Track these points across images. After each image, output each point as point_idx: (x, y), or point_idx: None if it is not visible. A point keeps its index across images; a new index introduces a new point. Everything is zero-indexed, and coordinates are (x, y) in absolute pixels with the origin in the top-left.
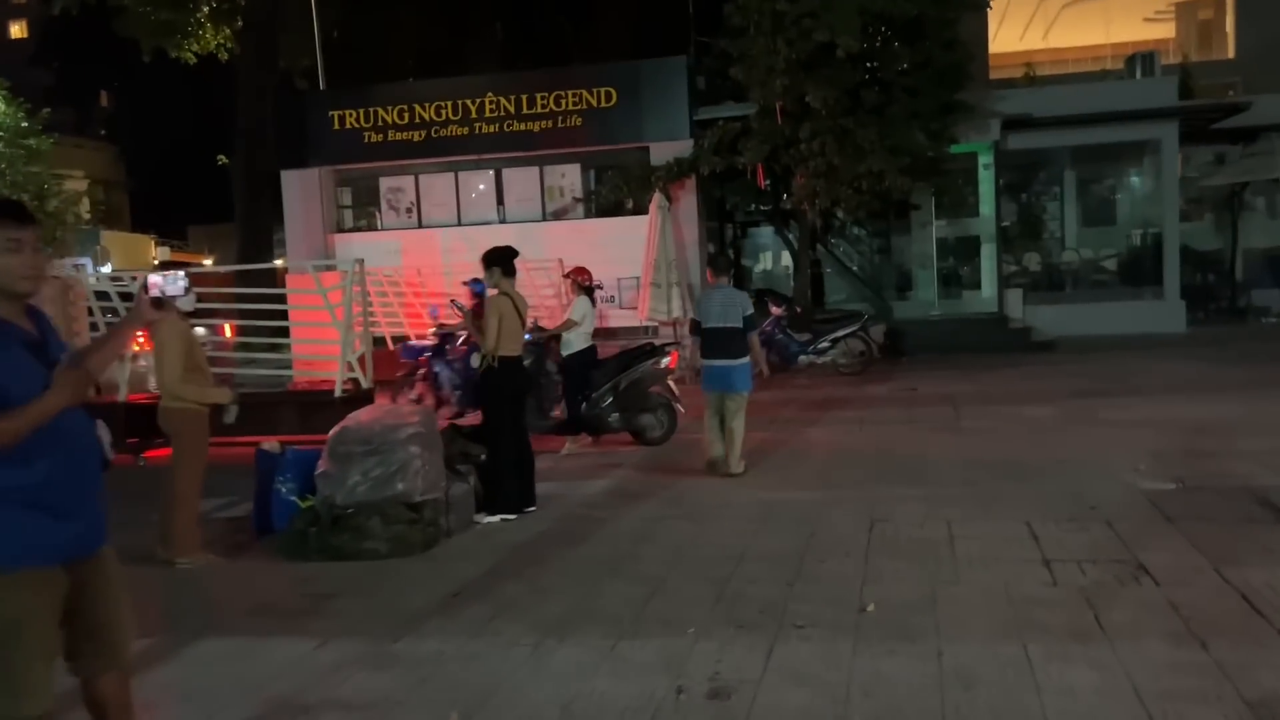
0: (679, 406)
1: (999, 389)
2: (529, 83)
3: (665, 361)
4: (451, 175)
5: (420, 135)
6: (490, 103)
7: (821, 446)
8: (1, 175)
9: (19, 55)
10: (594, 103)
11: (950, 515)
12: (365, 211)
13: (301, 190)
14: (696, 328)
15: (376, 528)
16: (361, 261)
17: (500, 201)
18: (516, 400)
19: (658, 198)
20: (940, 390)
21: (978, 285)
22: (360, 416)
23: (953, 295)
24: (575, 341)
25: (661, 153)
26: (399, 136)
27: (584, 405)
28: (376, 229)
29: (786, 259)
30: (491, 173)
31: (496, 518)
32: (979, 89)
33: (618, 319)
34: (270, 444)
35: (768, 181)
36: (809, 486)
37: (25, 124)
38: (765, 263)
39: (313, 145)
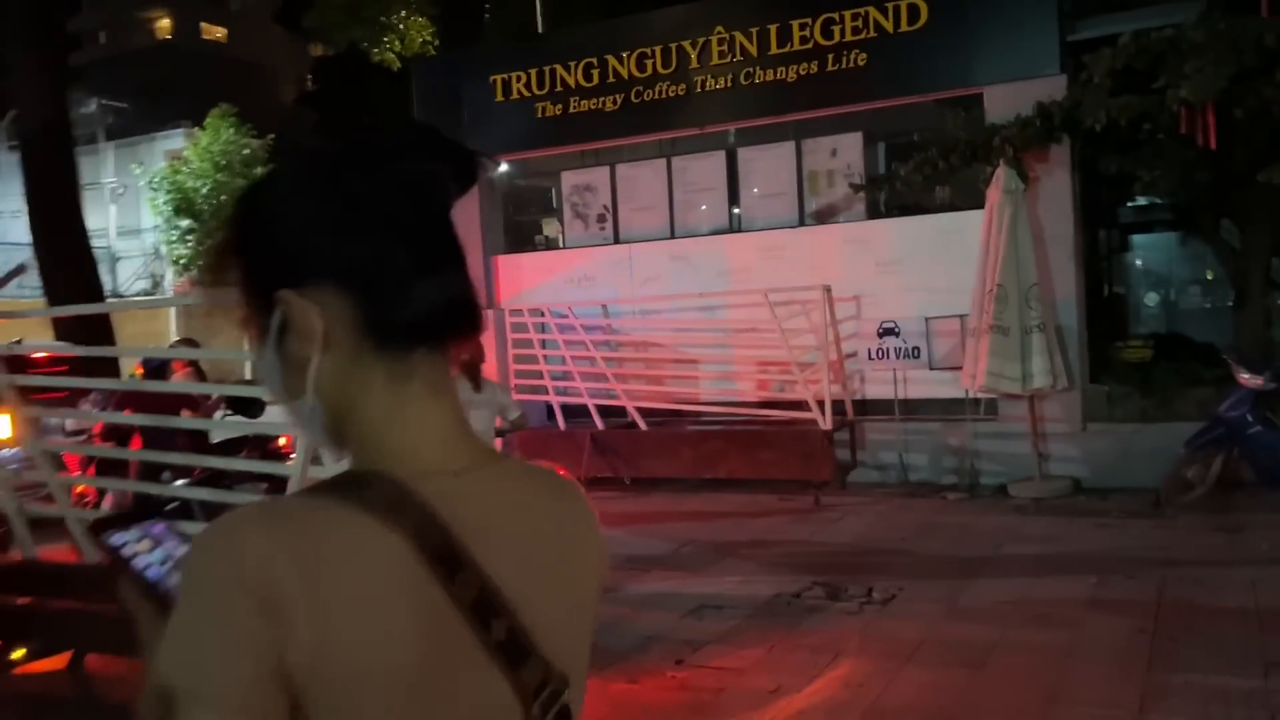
0: None
1: None
2: (781, 4)
3: None
4: (662, 163)
5: (616, 101)
6: (719, 41)
7: None
8: (222, 207)
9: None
10: (888, 26)
11: None
12: (538, 222)
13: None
14: None
15: None
16: None
17: (733, 200)
18: None
19: (1002, 177)
20: None
21: None
22: None
23: None
24: None
25: (1004, 102)
26: (586, 105)
27: None
28: (558, 247)
29: (1198, 284)
30: (721, 155)
31: None
32: None
33: (928, 387)
34: None
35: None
36: None
37: (247, 151)
38: (1164, 289)
39: (469, 126)
